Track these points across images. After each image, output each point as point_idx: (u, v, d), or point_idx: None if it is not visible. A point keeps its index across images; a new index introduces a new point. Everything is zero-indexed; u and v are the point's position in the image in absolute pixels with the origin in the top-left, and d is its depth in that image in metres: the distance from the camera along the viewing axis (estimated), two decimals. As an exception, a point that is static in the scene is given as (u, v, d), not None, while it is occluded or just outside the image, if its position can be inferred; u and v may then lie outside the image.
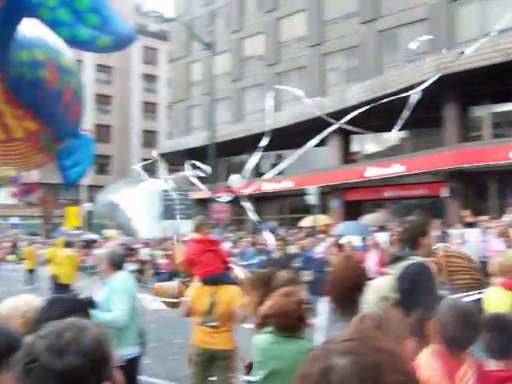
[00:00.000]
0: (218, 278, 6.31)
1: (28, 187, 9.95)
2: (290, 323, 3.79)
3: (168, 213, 28.31)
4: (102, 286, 5.86)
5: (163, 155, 46.00)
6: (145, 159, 61.22)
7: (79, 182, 8.98)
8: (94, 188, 50.83)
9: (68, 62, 7.49)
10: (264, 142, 10.29)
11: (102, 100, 58.46)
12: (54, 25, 5.01)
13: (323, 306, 5.05)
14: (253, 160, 10.00)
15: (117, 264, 5.84)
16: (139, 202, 34.54)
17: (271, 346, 3.85)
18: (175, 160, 46.52)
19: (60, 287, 15.14)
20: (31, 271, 22.50)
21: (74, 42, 5.15)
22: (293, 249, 16.71)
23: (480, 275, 6.41)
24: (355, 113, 9.47)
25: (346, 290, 4.43)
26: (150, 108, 63.50)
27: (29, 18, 5.46)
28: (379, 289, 4.06)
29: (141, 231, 31.28)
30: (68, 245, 16.90)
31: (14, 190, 9.55)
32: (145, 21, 62.04)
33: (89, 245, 26.85)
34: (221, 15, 41.54)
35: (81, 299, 2.92)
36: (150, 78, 63.77)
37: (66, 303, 2.74)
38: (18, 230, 43.39)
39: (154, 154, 31.30)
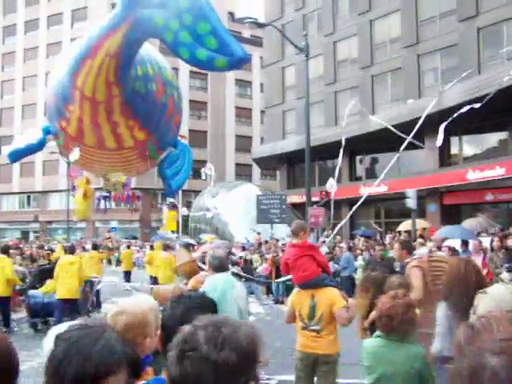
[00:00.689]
0: (316, 281, 6.31)
1: (131, 194, 10.27)
2: (396, 326, 3.73)
3: (263, 217, 28.52)
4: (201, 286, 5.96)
5: (257, 160, 46.54)
6: (239, 164, 62.13)
7: (180, 189, 9.31)
8: (190, 192, 52.00)
9: (170, 75, 8.01)
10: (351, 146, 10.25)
11: (197, 106, 59.71)
12: (175, 46, 5.46)
13: (440, 311, 4.91)
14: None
15: (216, 266, 5.88)
16: (235, 206, 34.99)
17: (381, 350, 3.80)
18: (270, 164, 47.02)
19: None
20: (127, 273, 23.42)
21: (193, 61, 5.55)
22: (392, 253, 16.40)
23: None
24: (455, 114, 9.24)
25: (468, 294, 4.32)
26: (243, 113, 64.27)
27: (151, 38, 5.98)
28: (499, 298, 3.94)
29: (237, 235, 31.64)
30: (166, 248, 17.62)
31: (118, 196, 9.90)
32: (238, 27, 62.91)
33: (187, 249, 27.45)
34: (313, 19, 41.51)
35: (206, 297, 2.98)
36: (243, 84, 64.60)
37: (192, 300, 2.81)
38: (112, 233, 44.84)
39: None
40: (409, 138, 9.53)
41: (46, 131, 8.50)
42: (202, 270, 8.27)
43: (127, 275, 23.34)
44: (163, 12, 5.43)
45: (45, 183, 58.54)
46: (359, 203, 12.07)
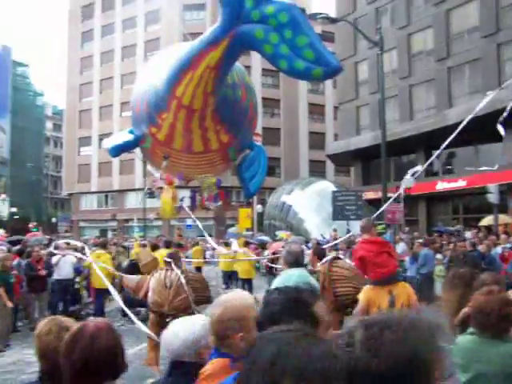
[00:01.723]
0: (394, 277, 6.31)
1: (219, 193, 10.53)
2: (492, 323, 3.58)
3: (339, 213, 28.23)
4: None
5: (331, 156, 46.21)
6: (312, 161, 61.86)
7: (257, 191, 9.59)
8: (264, 190, 52.14)
9: (249, 80, 8.50)
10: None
11: (270, 104, 59.77)
12: (274, 58, 5.86)
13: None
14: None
15: (291, 261, 5.81)
16: (310, 203, 34.85)
17: (476, 348, 3.66)
18: (344, 161, 46.60)
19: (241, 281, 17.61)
20: (198, 269, 23.74)
21: (291, 72, 5.97)
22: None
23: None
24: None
25: None
26: (316, 110, 63.95)
27: (250, 50, 6.49)
28: None
29: (312, 232, 31.47)
30: (246, 244, 18.95)
31: (205, 196, 10.18)
32: (306, 18, 62.58)
33: (263, 245, 27.53)
34: (387, 12, 40.83)
35: (305, 289, 2.90)
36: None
37: (291, 293, 2.74)
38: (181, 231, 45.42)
39: None
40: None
41: (132, 134, 8.99)
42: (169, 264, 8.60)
43: (198, 271, 23.66)
44: (263, 26, 5.82)
45: (122, 182, 60.07)
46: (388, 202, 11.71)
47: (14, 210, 62.36)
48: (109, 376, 2.44)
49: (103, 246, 15.84)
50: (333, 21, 30.83)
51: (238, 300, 2.98)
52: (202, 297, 8.07)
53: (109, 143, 9.21)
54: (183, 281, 8.12)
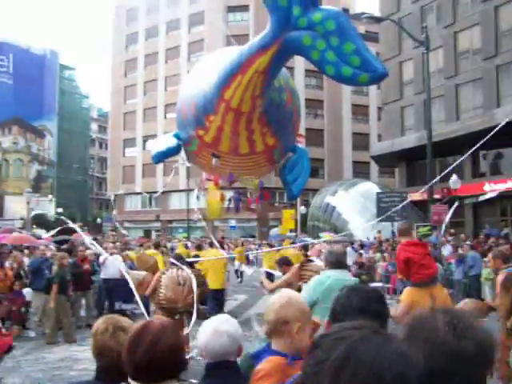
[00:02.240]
0: (435, 278, 6.39)
1: (263, 194, 10.64)
2: None
3: (383, 215, 27.92)
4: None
5: (376, 157, 45.75)
6: (356, 162, 61.45)
7: (300, 193, 9.68)
8: (308, 191, 51.95)
9: (294, 85, 8.83)
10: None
11: (313, 104, 59.59)
12: (321, 63, 6.08)
13: None
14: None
15: (332, 262, 5.73)
16: (354, 204, 34.59)
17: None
18: (388, 162, 46.09)
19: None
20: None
21: (338, 78, 6.14)
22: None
23: None
24: None
25: None
26: (360, 110, 63.45)
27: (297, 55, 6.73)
28: None
29: (357, 234, 31.22)
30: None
31: (251, 198, 10.35)
32: (353, 23, 62.10)
33: (305, 247, 27.47)
34: (432, 10, 40.21)
35: (377, 290, 2.92)
36: (359, 80, 63.66)
37: (364, 293, 2.74)
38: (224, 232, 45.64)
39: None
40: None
41: (177, 138, 9.20)
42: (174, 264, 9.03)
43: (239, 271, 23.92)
44: (311, 33, 6.04)
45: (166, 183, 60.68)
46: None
47: (61, 210, 63.56)
48: (170, 375, 2.45)
49: (156, 246, 16.55)
50: (377, 20, 30.62)
51: (299, 296, 3.15)
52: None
53: (152, 149, 9.48)
54: (194, 280, 8.46)
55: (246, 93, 6.92)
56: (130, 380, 2.46)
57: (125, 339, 2.90)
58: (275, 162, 9.26)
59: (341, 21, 6.08)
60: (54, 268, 12.87)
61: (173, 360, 2.44)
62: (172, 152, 9.27)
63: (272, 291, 8.19)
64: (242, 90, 6.89)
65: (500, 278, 7.06)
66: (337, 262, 5.73)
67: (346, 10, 64.48)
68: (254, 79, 6.74)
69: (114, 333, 2.98)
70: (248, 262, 32.88)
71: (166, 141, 9.53)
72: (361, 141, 61.68)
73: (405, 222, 8.15)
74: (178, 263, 9.04)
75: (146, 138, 65.22)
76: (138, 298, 8.84)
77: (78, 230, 12.06)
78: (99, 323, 3.11)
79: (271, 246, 23.63)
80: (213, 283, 13.85)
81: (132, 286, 8.98)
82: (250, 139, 7.98)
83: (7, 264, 13.76)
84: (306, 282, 7.19)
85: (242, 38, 54.83)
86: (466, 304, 5.26)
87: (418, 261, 7.08)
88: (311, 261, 8.47)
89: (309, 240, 30.86)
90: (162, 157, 9.34)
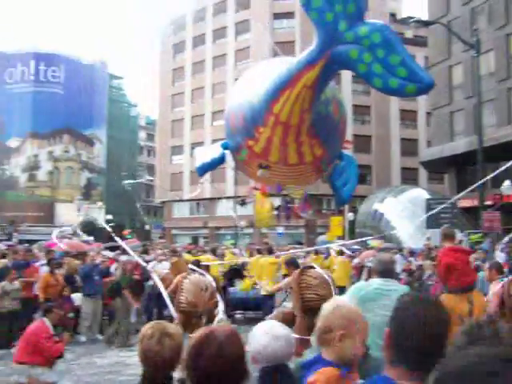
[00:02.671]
0: (474, 286, 6.38)
1: (305, 204, 10.81)
2: None
3: (433, 222, 27.47)
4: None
5: (425, 163, 45.08)
6: (405, 168, 60.67)
7: (350, 198, 9.75)
8: (355, 198, 51.52)
9: (341, 96, 8.91)
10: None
11: (360, 110, 59.07)
12: (368, 76, 6.19)
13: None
14: None
15: (380, 270, 5.57)
16: (403, 211, 34.13)
17: None
18: (438, 168, 45.38)
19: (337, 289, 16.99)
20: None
21: (385, 90, 6.26)
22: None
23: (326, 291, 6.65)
24: None
25: None
26: (408, 116, 62.56)
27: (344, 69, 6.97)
28: None
29: (405, 241, 30.79)
30: (341, 253, 19.33)
31: (295, 206, 10.54)
32: (400, 28, 61.53)
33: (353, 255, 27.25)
34: (483, 12, 39.45)
35: (430, 297, 2.85)
36: (407, 86, 62.87)
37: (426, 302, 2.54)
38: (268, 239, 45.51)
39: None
40: None
41: (225, 147, 9.28)
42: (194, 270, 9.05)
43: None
44: (357, 47, 6.17)
45: (213, 190, 60.86)
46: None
47: (110, 217, 64.59)
48: None
49: (213, 251, 17.08)
50: (426, 24, 30.26)
51: (351, 305, 3.20)
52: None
53: (197, 161, 9.51)
54: (214, 285, 8.60)
55: (295, 107, 7.05)
56: None
57: (171, 345, 3.01)
58: (322, 170, 9.23)
59: (386, 33, 6.18)
60: (117, 273, 13.14)
61: (238, 369, 2.38)
62: (216, 163, 9.35)
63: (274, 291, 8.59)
64: (290, 104, 7.05)
65: (495, 287, 7.34)
66: (383, 270, 5.59)
67: (392, 15, 63.94)
68: (302, 94, 6.86)
69: (161, 338, 3.02)
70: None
71: (211, 152, 9.59)
72: (409, 146, 60.79)
73: (448, 226, 8.15)
74: (197, 269, 9.39)
75: (193, 146, 65.75)
76: (166, 296, 9.05)
77: (117, 239, 12.35)
78: (146, 328, 3.17)
79: (317, 252, 23.59)
80: (265, 288, 14.71)
81: (159, 283, 9.30)
82: (299, 151, 8.09)
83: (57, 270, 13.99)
84: (303, 287, 7.62)
85: (288, 44, 55.28)
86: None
87: (461, 268, 7.11)
88: (313, 267, 8.66)
89: (357, 247, 30.66)
90: (207, 169, 9.39)
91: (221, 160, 9.21)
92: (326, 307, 3.12)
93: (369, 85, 6.36)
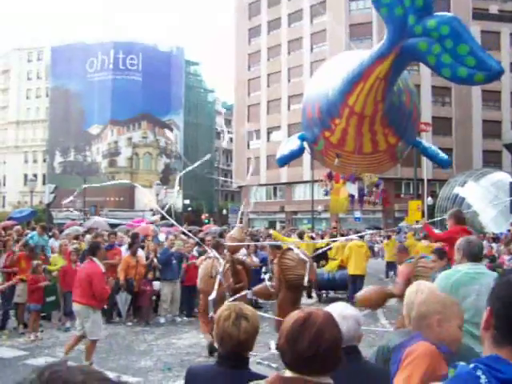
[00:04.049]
0: None
1: (382, 192, 10.97)
2: None
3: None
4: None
5: (509, 145, 43.49)
6: (487, 151, 58.79)
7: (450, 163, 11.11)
8: (434, 182, 50.30)
9: (412, 84, 9.39)
10: None
11: (441, 92, 57.39)
12: (438, 67, 6.47)
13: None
14: None
15: (467, 254, 5.29)
16: (486, 195, 33.12)
17: None
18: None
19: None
20: (390, 264, 23.34)
21: (454, 79, 6.49)
22: None
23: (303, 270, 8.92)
24: None
25: None
26: (491, 96, 60.14)
27: (415, 61, 7.45)
28: None
29: (488, 226, 29.91)
30: (425, 237, 18.39)
31: (369, 195, 10.71)
32: (484, 4, 59.23)
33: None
34: None
35: None
36: (489, 65, 60.63)
37: None
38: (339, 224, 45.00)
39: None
40: None
41: (303, 138, 9.94)
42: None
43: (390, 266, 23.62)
44: (426, 39, 6.44)
45: (290, 175, 60.80)
46: None
47: (187, 202, 65.58)
48: (328, 370, 2.37)
49: (300, 235, 17.41)
50: None
51: (439, 291, 3.26)
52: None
53: (278, 153, 10.22)
54: (221, 269, 9.82)
55: (369, 98, 7.48)
56: (285, 371, 2.41)
57: (246, 327, 3.04)
58: (397, 158, 9.93)
59: (454, 24, 6.37)
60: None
61: (335, 354, 2.35)
62: (295, 155, 9.99)
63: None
64: (364, 96, 7.48)
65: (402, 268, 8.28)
66: (471, 254, 5.33)
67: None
68: (375, 85, 7.29)
69: (236, 320, 3.05)
70: (373, 254, 32.40)
71: (290, 143, 10.21)
72: (492, 128, 58.52)
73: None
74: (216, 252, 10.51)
75: (270, 130, 65.79)
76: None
77: (176, 224, 13.18)
78: (223, 310, 3.18)
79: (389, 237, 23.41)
80: (352, 269, 16.18)
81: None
82: (373, 140, 8.51)
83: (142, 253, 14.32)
84: (284, 268, 8.83)
85: (365, 26, 54.28)
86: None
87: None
88: (291, 249, 9.46)
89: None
90: (286, 160, 10.04)
91: (300, 151, 9.94)
92: (414, 294, 3.20)
93: (439, 75, 6.59)
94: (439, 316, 2.94)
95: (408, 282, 7.47)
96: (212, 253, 10.50)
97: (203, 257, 11.78)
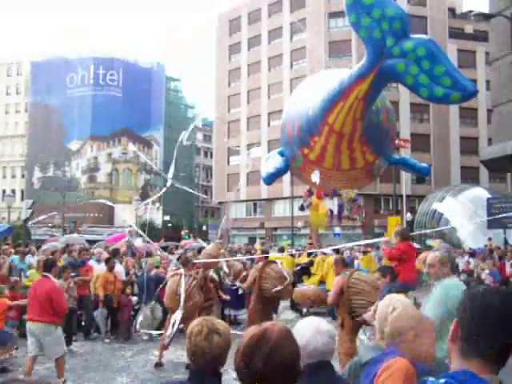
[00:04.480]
0: None
1: (356, 208, 11.11)
2: None
3: (495, 221, 26.75)
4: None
5: (486, 162, 43.88)
6: (465, 167, 59.24)
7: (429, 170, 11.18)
8: (413, 198, 50.65)
9: (389, 103, 9.54)
10: None
11: (418, 109, 57.91)
12: (415, 87, 6.77)
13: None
14: None
15: (453, 269, 5.51)
16: (463, 211, 33.40)
17: None
18: (499, 166, 44.06)
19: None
20: None
21: (431, 98, 6.82)
22: None
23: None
24: None
25: None
26: (468, 114, 60.91)
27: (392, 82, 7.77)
28: None
29: (465, 241, 30.14)
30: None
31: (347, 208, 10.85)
32: (459, 23, 60.13)
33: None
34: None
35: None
36: (466, 82, 61.38)
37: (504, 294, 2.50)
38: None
39: None
40: None
41: (281, 154, 10.13)
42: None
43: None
44: (403, 60, 6.72)
45: (270, 191, 60.80)
46: None
47: (167, 218, 65.32)
48: None
49: (281, 250, 17.78)
50: (487, 17, 29.32)
51: (411, 305, 3.20)
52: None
53: (262, 171, 10.34)
54: (183, 287, 9.87)
55: (348, 117, 7.70)
56: None
57: (219, 342, 2.97)
58: (373, 175, 10.11)
59: (430, 46, 6.70)
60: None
61: (292, 369, 2.34)
62: (281, 172, 10.19)
63: (247, 288, 10.43)
64: (344, 115, 7.69)
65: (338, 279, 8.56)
66: (453, 268, 5.59)
67: (451, 10, 62.55)
68: (354, 105, 7.51)
69: (208, 334, 2.98)
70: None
71: (272, 160, 10.37)
72: (469, 145, 59.15)
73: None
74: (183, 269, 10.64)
75: (250, 146, 65.90)
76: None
77: (151, 241, 13.15)
78: (194, 325, 3.10)
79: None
80: (331, 284, 15.65)
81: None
82: (351, 157, 8.71)
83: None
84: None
85: (345, 43, 54.76)
86: None
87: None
88: (274, 262, 9.98)
89: (417, 246, 30.07)
90: (273, 178, 10.18)
91: (285, 168, 10.14)
92: (386, 309, 3.11)
93: (416, 94, 6.89)
94: (414, 331, 2.94)
95: (341, 292, 8.23)
96: (181, 269, 10.49)
97: (171, 273, 11.53)
